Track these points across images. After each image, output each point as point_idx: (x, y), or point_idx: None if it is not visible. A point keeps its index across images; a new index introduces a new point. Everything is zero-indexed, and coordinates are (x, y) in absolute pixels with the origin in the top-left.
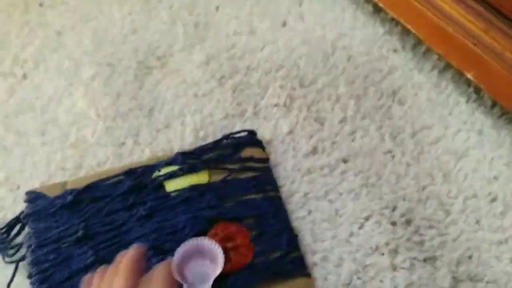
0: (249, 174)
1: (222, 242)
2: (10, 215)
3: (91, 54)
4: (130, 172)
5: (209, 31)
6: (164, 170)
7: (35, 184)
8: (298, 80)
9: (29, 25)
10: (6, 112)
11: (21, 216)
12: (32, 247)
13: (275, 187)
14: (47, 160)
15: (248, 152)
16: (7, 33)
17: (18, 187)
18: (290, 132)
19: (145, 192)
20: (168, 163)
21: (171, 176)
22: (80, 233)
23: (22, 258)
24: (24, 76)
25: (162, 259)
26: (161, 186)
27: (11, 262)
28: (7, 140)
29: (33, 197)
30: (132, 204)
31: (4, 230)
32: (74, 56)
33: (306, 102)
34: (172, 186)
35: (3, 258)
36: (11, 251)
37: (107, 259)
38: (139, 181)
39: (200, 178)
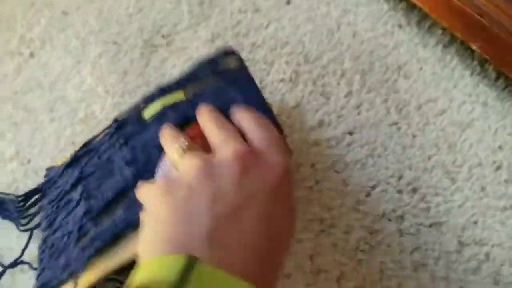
0: (225, 82)
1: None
2: (22, 187)
3: (97, 33)
4: (117, 118)
5: (214, 9)
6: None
7: (45, 158)
8: (303, 56)
9: (35, 6)
10: (14, 90)
11: (39, 187)
12: (44, 204)
13: (252, 81)
14: (56, 135)
15: (224, 65)
16: (14, 13)
17: (29, 161)
18: (297, 106)
19: (127, 125)
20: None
21: (147, 101)
22: (74, 179)
23: (36, 226)
24: (32, 55)
25: (136, 171)
26: (140, 118)
27: (25, 230)
28: (16, 116)
29: (50, 170)
30: (116, 140)
31: (21, 198)
32: (80, 35)
33: (312, 77)
34: (148, 112)
35: (17, 227)
36: (25, 220)
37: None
38: (125, 120)
39: (176, 97)
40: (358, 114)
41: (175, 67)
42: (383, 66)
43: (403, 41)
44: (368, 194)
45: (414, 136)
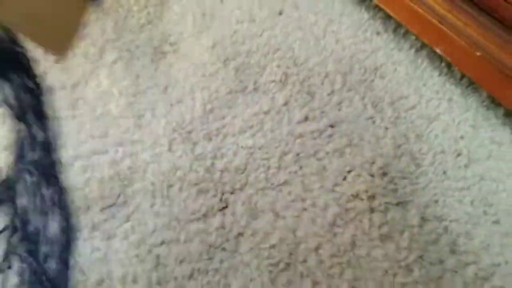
0: None
1: None
2: None
3: (113, 42)
4: None
5: (215, 20)
6: None
7: (68, 148)
8: (293, 60)
9: None
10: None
11: None
12: None
13: None
14: (77, 129)
15: None
16: None
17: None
18: (285, 103)
19: None
20: None
21: None
22: None
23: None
24: (56, 60)
25: None
26: None
27: None
28: None
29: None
30: None
31: None
32: (98, 44)
33: (299, 78)
34: None
35: None
36: None
37: None
38: None
39: None
40: (339, 110)
41: (181, 71)
42: (362, 68)
43: (380, 46)
44: (344, 178)
45: (386, 128)
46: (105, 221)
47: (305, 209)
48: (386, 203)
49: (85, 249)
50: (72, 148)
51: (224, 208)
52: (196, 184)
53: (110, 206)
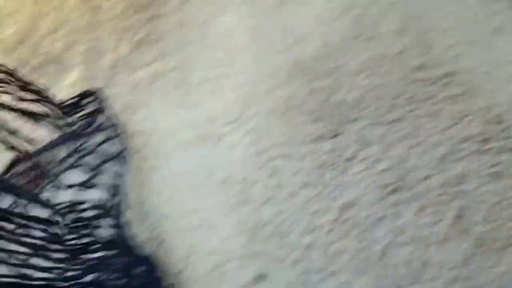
0: None
1: None
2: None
3: None
4: None
5: None
6: None
7: (196, 74)
8: (411, 14)
9: None
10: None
11: None
12: None
13: None
14: (205, 59)
15: None
16: None
17: (186, 79)
18: (401, 52)
19: None
20: None
21: None
22: None
23: None
24: (185, 2)
25: None
26: None
27: None
28: (168, 43)
29: None
30: None
31: None
32: None
33: (419, 30)
34: None
35: None
36: None
37: None
38: None
39: None
40: (456, 62)
41: (301, 16)
42: (483, 27)
43: (503, 8)
44: (457, 122)
45: (506, 81)
46: (229, 133)
47: (415, 145)
48: (498, 147)
49: (210, 155)
50: (199, 73)
51: (336, 135)
52: (311, 113)
53: (232, 121)
